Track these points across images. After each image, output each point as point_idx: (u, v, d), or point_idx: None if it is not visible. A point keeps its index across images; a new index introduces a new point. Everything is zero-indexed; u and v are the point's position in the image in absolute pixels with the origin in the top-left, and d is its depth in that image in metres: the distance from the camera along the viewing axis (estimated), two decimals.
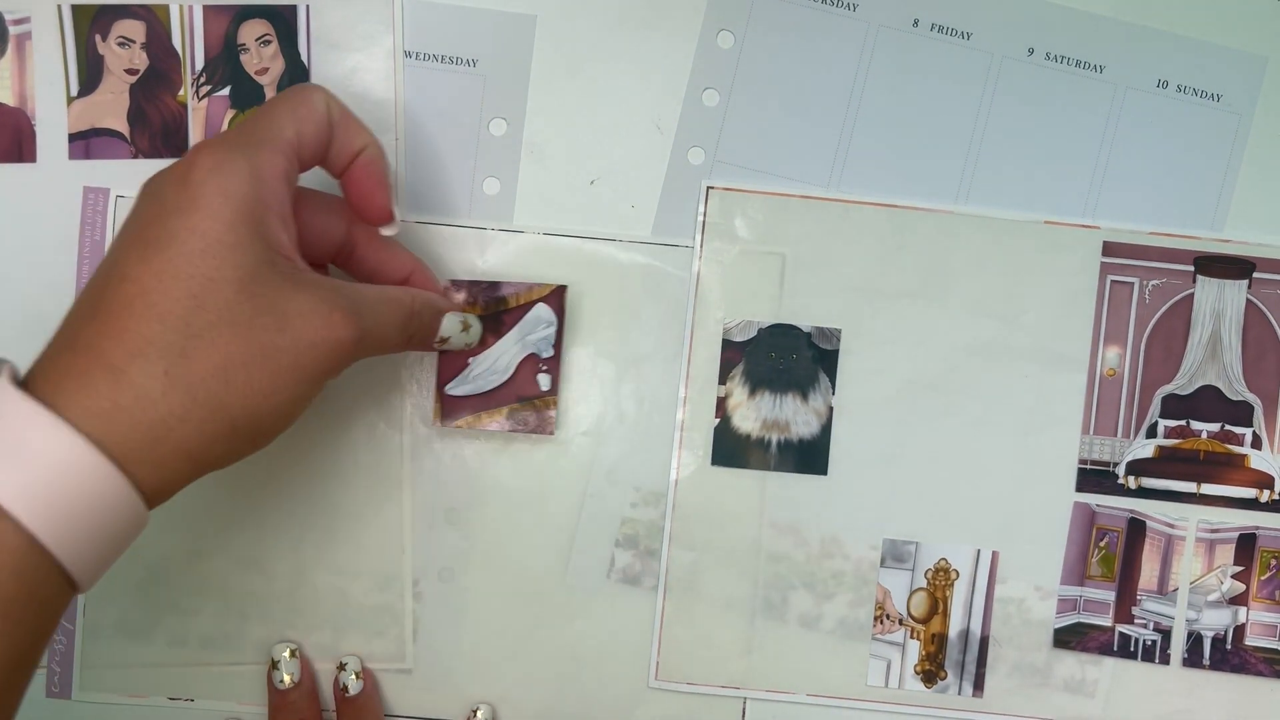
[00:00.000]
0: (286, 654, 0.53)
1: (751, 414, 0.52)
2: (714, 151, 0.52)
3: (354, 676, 0.53)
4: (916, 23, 0.52)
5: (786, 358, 0.52)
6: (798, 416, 0.53)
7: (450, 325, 0.48)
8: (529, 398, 0.51)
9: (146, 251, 0.38)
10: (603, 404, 0.53)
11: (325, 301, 0.40)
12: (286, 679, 0.52)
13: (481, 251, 0.52)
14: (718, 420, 0.52)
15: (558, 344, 0.51)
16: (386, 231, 0.47)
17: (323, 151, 0.44)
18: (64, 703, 0.53)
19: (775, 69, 0.52)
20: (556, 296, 0.51)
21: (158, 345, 0.36)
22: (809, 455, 0.52)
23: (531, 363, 0.51)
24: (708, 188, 0.52)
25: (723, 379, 0.52)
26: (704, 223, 0.52)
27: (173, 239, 0.38)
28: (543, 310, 0.51)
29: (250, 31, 0.52)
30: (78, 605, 0.53)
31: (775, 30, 0.52)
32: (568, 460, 0.53)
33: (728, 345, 0.52)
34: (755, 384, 0.52)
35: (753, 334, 0.52)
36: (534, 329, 0.51)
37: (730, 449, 0.52)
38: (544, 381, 0.51)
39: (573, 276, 0.52)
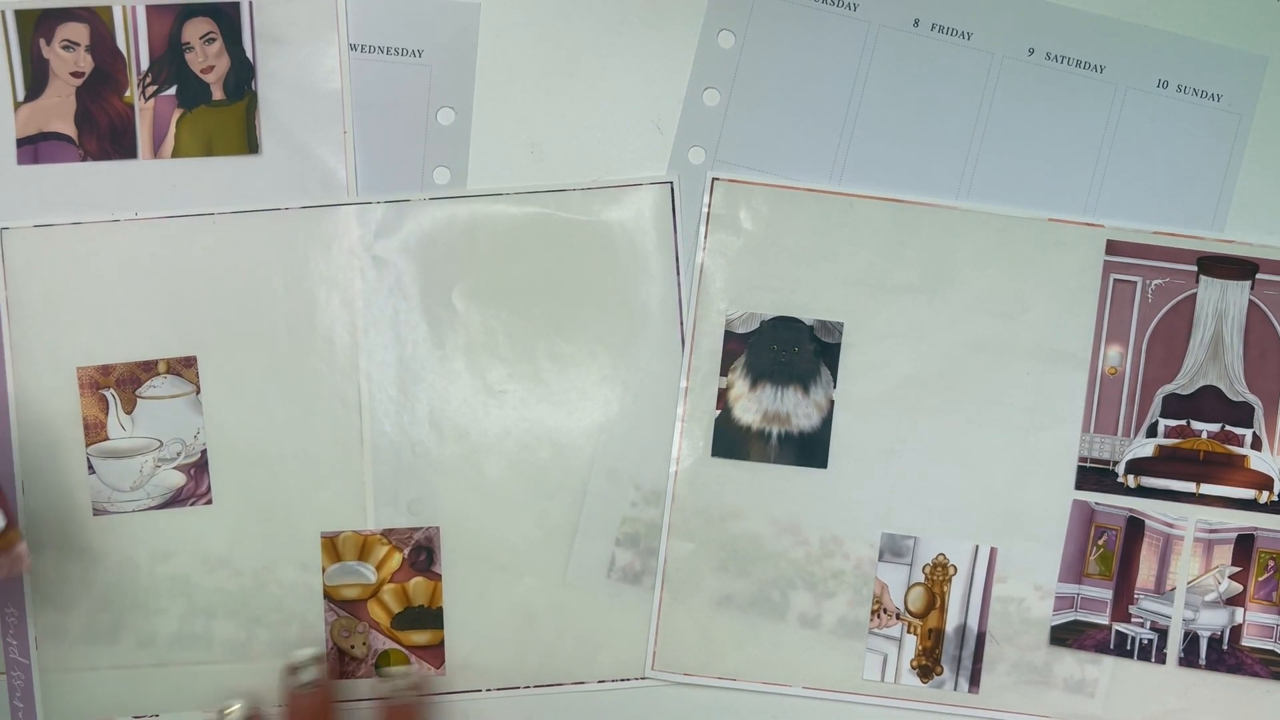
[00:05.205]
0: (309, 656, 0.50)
1: (753, 406, 0.53)
2: (714, 151, 0.53)
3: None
4: (917, 23, 0.53)
5: (789, 350, 0.53)
6: (799, 409, 0.53)
7: None
8: None
9: None
10: (603, 399, 0.53)
11: None
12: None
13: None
14: (719, 412, 0.53)
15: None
16: None
17: None
18: None
19: (776, 68, 0.53)
20: None
21: None
22: (809, 448, 0.53)
23: None
24: (713, 179, 0.53)
25: (724, 370, 0.53)
26: (708, 214, 0.53)
27: None
28: None
29: (194, 30, 0.52)
30: (29, 641, 0.52)
31: (776, 30, 0.53)
32: (568, 460, 0.53)
33: (730, 337, 0.53)
34: (757, 376, 0.53)
35: (755, 326, 0.53)
36: None
37: (731, 441, 0.53)
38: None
39: (567, 256, 0.53)
